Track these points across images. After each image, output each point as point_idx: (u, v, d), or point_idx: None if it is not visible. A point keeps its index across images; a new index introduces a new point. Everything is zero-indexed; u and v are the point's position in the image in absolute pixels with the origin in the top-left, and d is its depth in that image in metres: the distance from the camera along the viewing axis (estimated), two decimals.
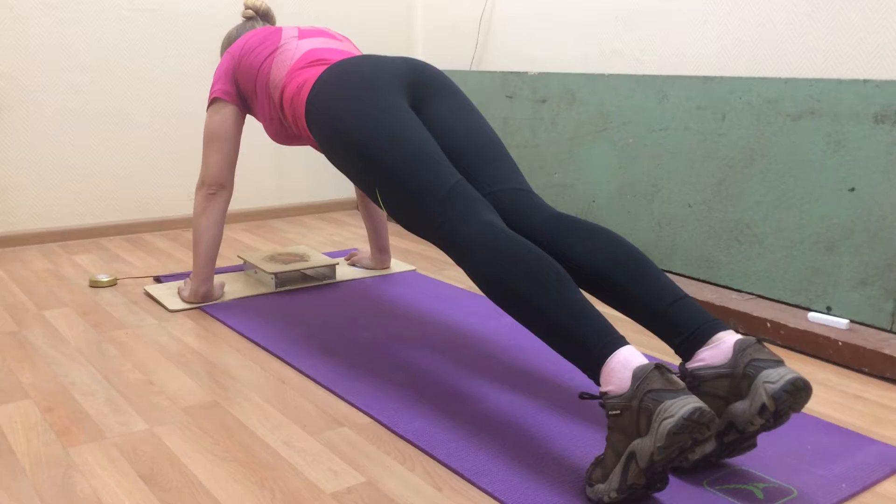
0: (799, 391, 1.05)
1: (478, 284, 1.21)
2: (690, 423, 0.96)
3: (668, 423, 0.96)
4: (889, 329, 1.64)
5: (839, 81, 1.74)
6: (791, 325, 1.68)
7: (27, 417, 1.34)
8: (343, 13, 3.08)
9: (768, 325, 1.71)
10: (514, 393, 1.44)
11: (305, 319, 1.84)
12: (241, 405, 1.40)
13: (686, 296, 1.22)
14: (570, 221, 1.32)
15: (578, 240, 1.28)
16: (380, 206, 1.38)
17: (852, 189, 1.71)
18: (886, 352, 1.52)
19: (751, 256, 1.90)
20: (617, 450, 1.04)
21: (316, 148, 1.63)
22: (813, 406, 1.42)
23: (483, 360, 1.60)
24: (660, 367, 1.02)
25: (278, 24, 2.91)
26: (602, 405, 1.06)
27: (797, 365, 1.61)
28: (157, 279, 2.17)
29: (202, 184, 1.84)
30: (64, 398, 1.42)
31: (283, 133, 1.76)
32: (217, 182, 1.84)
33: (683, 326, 1.18)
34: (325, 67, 1.55)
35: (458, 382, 1.49)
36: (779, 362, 1.09)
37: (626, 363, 1.05)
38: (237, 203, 2.97)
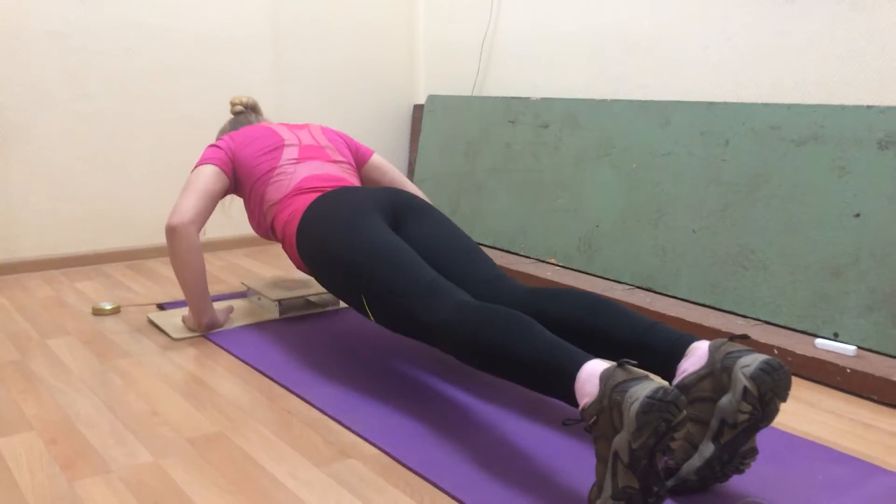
0: (775, 370, 1.10)
1: (455, 354, 1.30)
2: (655, 402, 0.98)
3: (635, 406, 0.99)
4: None
5: (842, 108, 1.75)
6: (798, 352, 1.67)
7: (31, 450, 1.33)
8: (343, 42, 3.10)
9: (775, 351, 1.70)
10: (521, 420, 1.43)
11: (310, 347, 1.83)
12: (247, 436, 1.39)
13: (657, 322, 1.30)
14: (540, 290, 1.48)
15: (550, 300, 1.42)
16: (367, 316, 1.51)
17: (857, 215, 1.71)
18: (895, 379, 1.51)
19: (756, 282, 1.90)
20: (604, 457, 1.05)
21: (299, 268, 1.78)
22: (823, 434, 1.41)
23: (489, 388, 1.59)
24: (622, 364, 1.06)
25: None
26: (586, 427, 1.07)
27: (805, 392, 1.60)
28: (161, 306, 2.16)
29: (168, 224, 1.80)
30: (68, 430, 1.41)
31: (266, 235, 1.90)
32: (184, 219, 1.79)
33: (659, 347, 1.25)
34: (315, 195, 1.73)
35: (466, 410, 1.48)
36: (752, 351, 1.14)
37: (593, 371, 1.09)
38: (240, 228, 2.97)
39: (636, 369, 1.06)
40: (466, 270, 1.58)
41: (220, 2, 2.78)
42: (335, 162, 1.91)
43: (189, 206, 1.82)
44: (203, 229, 1.93)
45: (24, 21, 2.43)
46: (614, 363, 1.08)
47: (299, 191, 1.77)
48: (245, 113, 2.12)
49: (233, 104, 2.12)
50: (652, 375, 1.45)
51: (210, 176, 1.87)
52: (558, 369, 1.13)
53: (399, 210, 1.69)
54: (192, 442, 1.37)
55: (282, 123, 2.02)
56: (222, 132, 2.10)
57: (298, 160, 1.86)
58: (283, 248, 1.76)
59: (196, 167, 1.88)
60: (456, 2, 3.09)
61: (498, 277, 1.56)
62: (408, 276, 1.42)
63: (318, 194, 1.74)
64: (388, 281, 1.43)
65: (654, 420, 0.98)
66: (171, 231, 1.80)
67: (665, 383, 1.02)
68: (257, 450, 1.34)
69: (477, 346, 1.24)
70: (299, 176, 1.81)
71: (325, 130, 2.02)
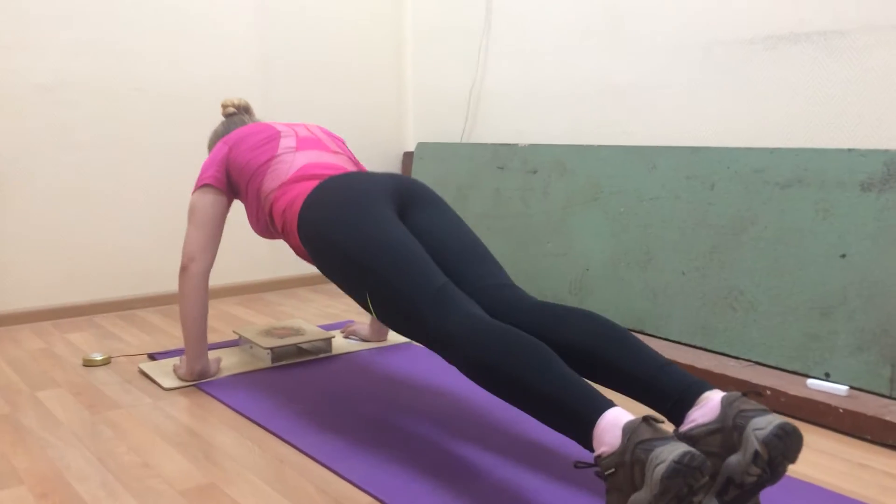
0: (788, 435, 1.07)
1: (465, 371, 1.25)
2: (682, 467, 0.97)
3: (661, 469, 0.97)
4: (889, 395, 1.65)
5: (824, 151, 1.79)
6: (791, 393, 1.67)
7: None
8: (334, 92, 3.14)
9: (768, 392, 1.71)
10: (517, 467, 1.43)
11: (303, 395, 1.82)
12: (240, 487, 1.38)
13: (670, 363, 1.26)
14: (552, 307, 1.39)
15: (561, 322, 1.35)
16: (370, 313, 1.44)
17: (843, 255, 1.74)
18: (888, 418, 1.52)
19: (746, 323, 1.91)
20: None
21: (300, 255, 1.69)
22: (818, 476, 1.41)
23: (484, 433, 1.58)
24: (647, 419, 1.04)
25: (276, 111, 2.96)
26: (598, 473, 1.06)
27: None
28: (152, 356, 2.15)
29: (182, 263, 1.84)
30: (59, 483, 1.39)
31: (266, 231, 1.84)
32: (195, 259, 1.83)
33: (671, 391, 1.22)
34: (316, 182, 1.65)
35: (460, 457, 1.47)
36: (766, 411, 1.11)
37: (615, 422, 1.06)
38: (231, 276, 2.97)
39: (661, 427, 1.03)
40: (474, 272, 1.49)
41: (210, 54, 2.82)
42: (334, 153, 1.83)
43: (195, 242, 1.83)
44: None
45: (13, 75, 2.46)
46: (639, 417, 1.06)
47: (299, 178, 1.69)
48: (238, 114, 2.06)
49: (224, 106, 2.06)
50: (659, 415, 1.44)
51: (209, 203, 1.85)
52: (576, 411, 1.10)
53: (406, 197, 1.61)
54: (183, 494, 1.35)
55: (276, 122, 1.98)
56: (215, 134, 2.04)
57: (297, 149, 1.78)
58: (284, 237, 1.69)
59: (195, 189, 1.86)
60: (443, 53, 3.15)
61: (506, 285, 1.48)
62: (416, 280, 1.34)
63: (320, 181, 1.65)
64: (394, 282, 1.35)
65: (678, 484, 0.97)
66: (182, 271, 1.83)
67: (692, 448, 0.99)
68: (250, 500, 1.32)
69: (489, 370, 1.19)
70: (298, 164, 1.73)
71: (321, 129, 1.96)
